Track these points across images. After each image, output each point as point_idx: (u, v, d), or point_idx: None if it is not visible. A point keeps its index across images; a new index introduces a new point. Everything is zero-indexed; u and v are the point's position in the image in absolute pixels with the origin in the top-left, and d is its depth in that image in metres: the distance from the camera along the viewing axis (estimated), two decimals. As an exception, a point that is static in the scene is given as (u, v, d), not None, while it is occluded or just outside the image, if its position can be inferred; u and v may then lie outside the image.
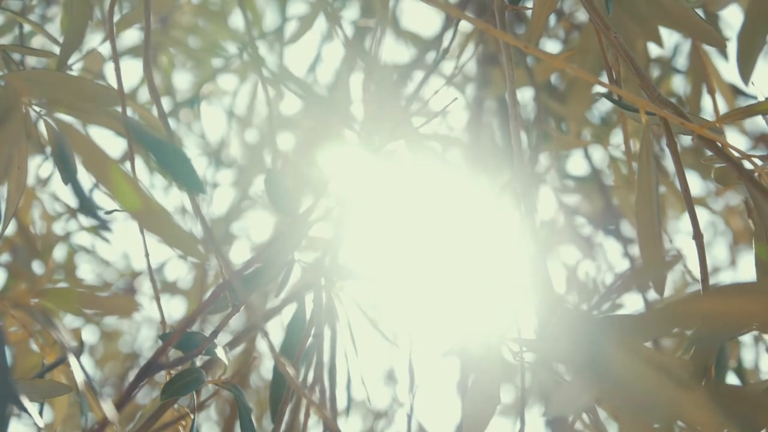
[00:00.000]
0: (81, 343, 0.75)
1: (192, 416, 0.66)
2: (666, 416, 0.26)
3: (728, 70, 0.93)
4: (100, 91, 0.69)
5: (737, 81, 0.56)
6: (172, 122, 1.18)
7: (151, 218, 0.49)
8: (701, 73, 0.84)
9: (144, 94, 1.16)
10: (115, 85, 0.70)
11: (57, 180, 1.12)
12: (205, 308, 0.55)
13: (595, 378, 0.30)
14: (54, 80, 0.66)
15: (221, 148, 1.31)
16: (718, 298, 0.32)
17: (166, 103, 1.21)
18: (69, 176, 0.51)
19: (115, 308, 0.76)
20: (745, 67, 0.39)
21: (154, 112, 1.18)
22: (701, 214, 1.37)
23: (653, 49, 1.12)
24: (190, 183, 0.49)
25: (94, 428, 0.52)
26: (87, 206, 0.50)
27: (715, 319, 0.31)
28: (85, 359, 1.48)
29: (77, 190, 0.51)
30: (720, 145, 0.52)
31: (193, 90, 1.18)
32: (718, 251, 1.45)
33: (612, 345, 0.31)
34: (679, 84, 1.07)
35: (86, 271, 1.37)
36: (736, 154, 0.53)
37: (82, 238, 1.18)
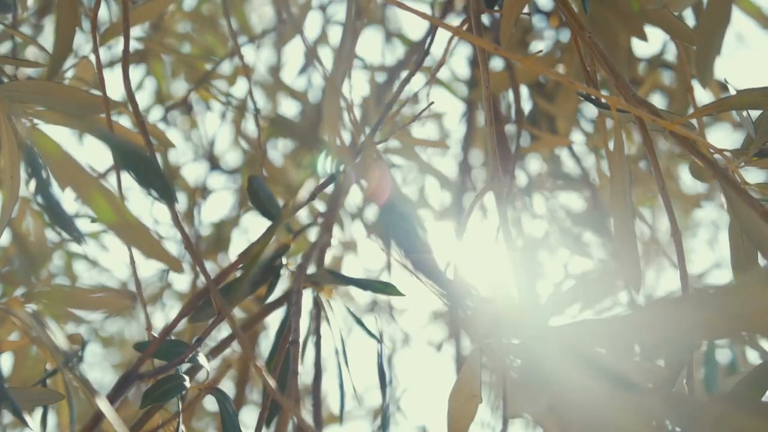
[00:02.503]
0: (82, 347, 0.75)
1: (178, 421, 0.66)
2: (604, 426, 0.25)
3: (718, 66, 0.92)
4: (89, 100, 0.70)
5: (725, 77, 0.56)
6: (166, 128, 1.19)
7: (127, 230, 0.49)
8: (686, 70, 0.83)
9: (141, 100, 1.17)
10: (107, 91, 0.70)
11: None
12: (184, 317, 0.55)
13: (542, 385, 0.30)
14: (42, 90, 0.66)
15: (218, 153, 1.31)
16: (682, 306, 0.32)
17: (159, 109, 1.22)
18: (40, 188, 0.51)
19: (106, 306, 0.76)
20: (703, 69, 0.39)
21: (149, 119, 1.19)
22: (703, 211, 1.36)
23: (647, 48, 1.11)
24: (162, 193, 0.49)
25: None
26: (59, 219, 0.50)
27: (681, 327, 0.31)
28: (91, 366, 1.50)
29: (49, 201, 0.51)
30: (693, 141, 0.51)
31: (186, 95, 1.18)
32: (718, 250, 1.44)
33: (560, 352, 0.30)
34: (671, 81, 1.06)
35: (87, 280, 1.37)
36: (711, 150, 0.53)
37: (81, 247, 1.18)
